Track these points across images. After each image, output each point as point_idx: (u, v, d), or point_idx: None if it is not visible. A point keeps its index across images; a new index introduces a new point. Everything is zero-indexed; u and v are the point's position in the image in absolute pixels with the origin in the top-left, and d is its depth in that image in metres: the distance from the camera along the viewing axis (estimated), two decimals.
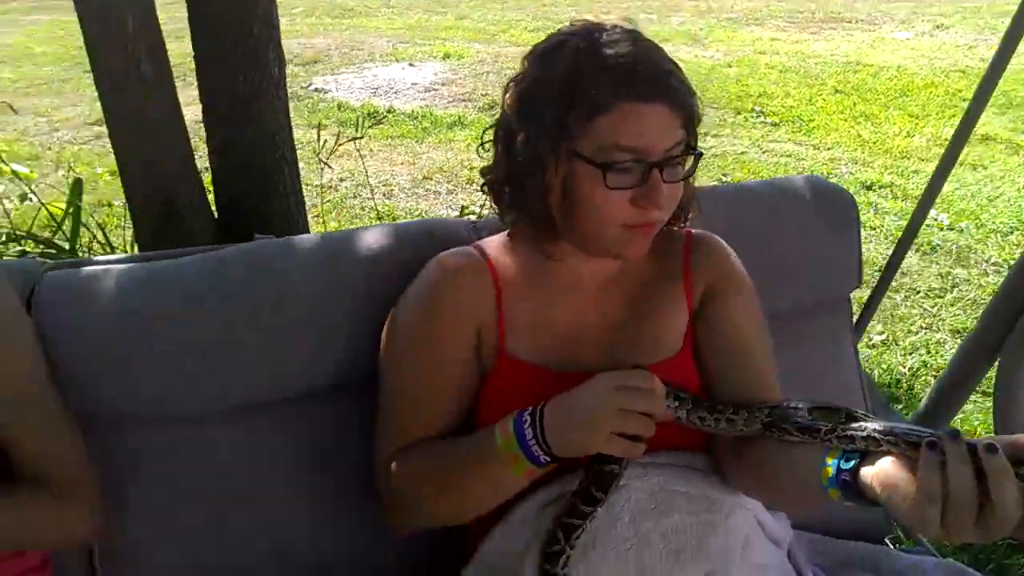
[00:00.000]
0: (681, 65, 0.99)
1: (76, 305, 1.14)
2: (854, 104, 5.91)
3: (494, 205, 1.08)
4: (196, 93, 2.17)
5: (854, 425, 0.82)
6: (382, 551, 1.23)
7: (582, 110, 0.93)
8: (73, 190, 2.70)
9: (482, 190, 1.08)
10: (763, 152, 4.90)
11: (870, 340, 2.97)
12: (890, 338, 3.01)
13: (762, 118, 5.56)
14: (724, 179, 4.46)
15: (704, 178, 4.44)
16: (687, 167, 1.01)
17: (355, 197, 4.14)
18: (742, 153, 4.87)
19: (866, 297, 1.68)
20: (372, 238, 1.25)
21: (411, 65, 7.24)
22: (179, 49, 2.21)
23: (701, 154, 1.02)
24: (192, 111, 2.20)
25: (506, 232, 1.13)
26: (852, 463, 0.79)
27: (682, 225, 1.13)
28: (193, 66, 2.13)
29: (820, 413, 0.89)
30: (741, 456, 1.01)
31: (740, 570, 0.99)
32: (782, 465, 0.94)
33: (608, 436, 0.88)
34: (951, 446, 0.70)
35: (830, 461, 0.82)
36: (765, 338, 1.12)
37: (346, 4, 11.47)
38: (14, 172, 2.85)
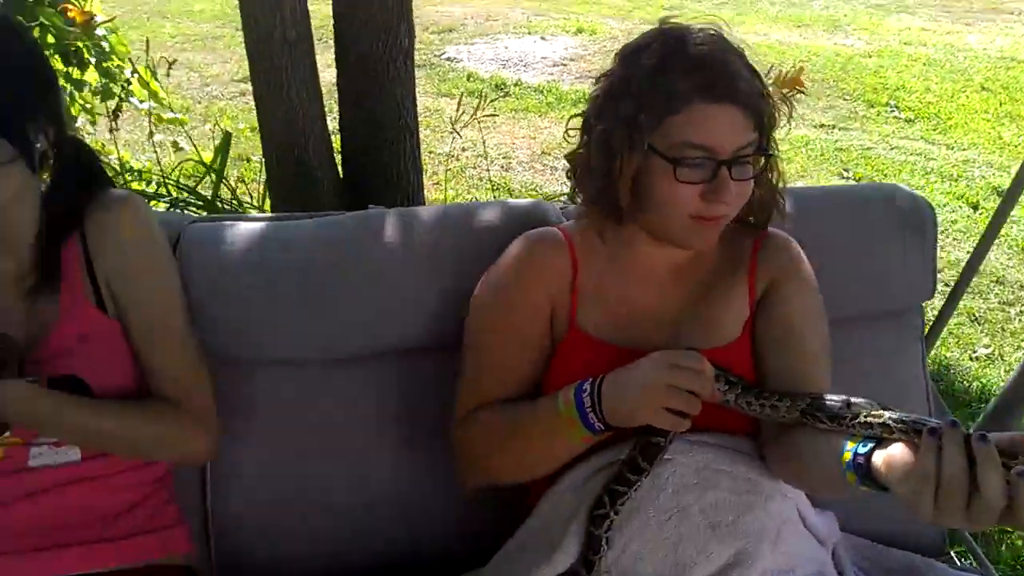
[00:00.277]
0: (767, 65, 1.06)
1: (212, 256, 1.32)
2: (1000, 103, 5.60)
3: (576, 190, 1.17)
4: (332, 57, 2.35)
5: (875, 413, 0.88)
6: (452, 501, 1.35)
7: (658, 108, 1.02)
8: (220, 145, 2.94)
9: (567, 176, 1.18)
10: (891, 149, 4.73)
11: (974, 352, 2.89)
12: (996, 352, 2.92)
13: (896, 113, 5.35)
14: (845, 174, 4.36)
15: (825, 172, 4.37)
16: (758, 167, 1.07)
17: (475, 168, 4.27)
18: (868, 148, 4.72)
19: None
20: (470, 214, 1.38)
21: (543, 39, 7.31)
22: (322, 11, 2.36)
23: (772, 155, 1.08)
24: (328, 74, 2.38)
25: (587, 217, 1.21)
26: (868, 448, 0.86)
27: (762, 224, 1.19)
28: (332, 30, 2.30)
29: (854, 406, 0.94)
30: (780, 442, 1.07)
31: (772, 553, 1.05)
32: (812, 451, 0.99)
33: (656, 409, 0.96)
34: (949, 433, 0.76)
35: (850, 447, 0.88)
36: (821, 335, 1.16)
37: None
38: (173, 120, 3.11)
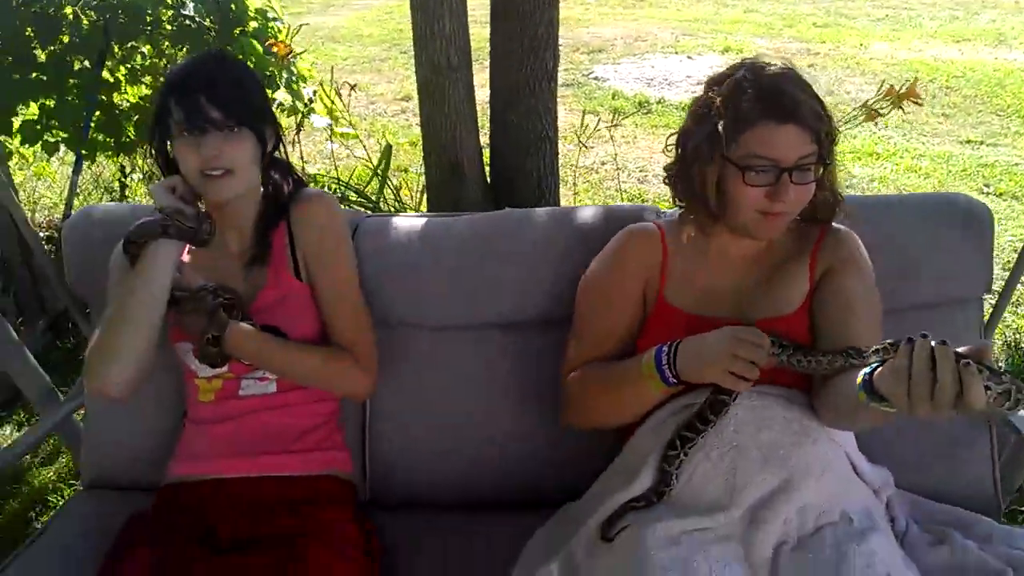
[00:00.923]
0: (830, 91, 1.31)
1: (381, 242, 1.70)
2: None
3: (673, 193, 1.45)
4: (487, 76, 2.70)
5: (888, 342, 1.12)
6: (558, 448, 1.65)
7: (733, 126, 1.28)
8: (383, 153, 3.38)
9: (664, 182, 1.46)
10: None
11: None
12: None
13: None
14: (986, 189, 4.32)
15: (964, 187, 4.35)
16: (817, 173, 1.31)
17: (613, 179, 4.54)
18: (1015, 165, 4.64)
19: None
20: (587, 215, 1.71)
21: (689, 58, 7.49)
22: (480, 33, 2.71)
23: (829, 163, 1.31)
24: (482, 92, 2.73)
25: (680, 215, 1.49)
26: (871, 369, 1.09)
27: (825, 220, 1.42)
28: (488, 51, 2.66)
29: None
30: (824, 390, 1.29)
31: (816, 486, 1.26)
32: (843, 387, 1.21)
33: (722, 371, 1.21)
34: (919, 341, 0.99)
35: (862, 374, 1.11)
36: (870, 316, 1.37)
37: None
38: (346, 135, 3.58)
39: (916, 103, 2.42)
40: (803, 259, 1.42)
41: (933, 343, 0.99)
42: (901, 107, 2.42)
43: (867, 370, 1.10)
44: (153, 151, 1.47)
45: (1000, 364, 1.69)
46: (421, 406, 1.70)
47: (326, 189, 3.67)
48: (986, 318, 1.72)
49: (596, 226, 1.65)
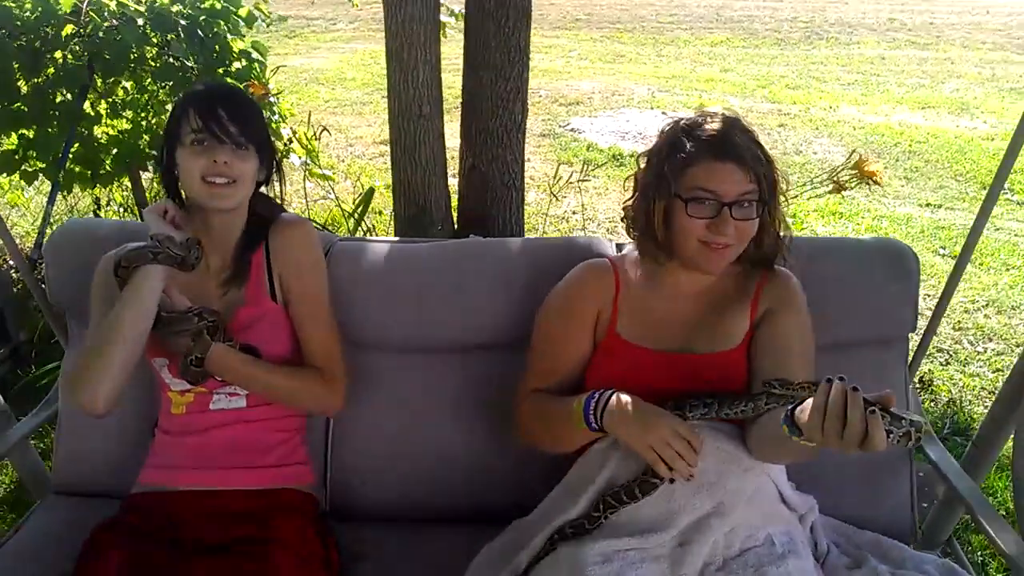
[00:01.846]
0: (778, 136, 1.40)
1: (353, 264, 1.77)
2: None
3: (627, 229, 1.54)
4: (457, 125, 2.80)
5: (801, 383, 1.24)
6: (510, 466, 1.74)
7: (679, 163, 1.40)
8: (364, 197, 3.47)
9: (621, 219, 1.56)
10: (996, 230, 4.79)
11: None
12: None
13: (1009, 195, 5.39)
14: (942, 251, 4.47)
15: (921, 248, 4.49)
16: (760, 212, 1.41)
17: (582, 229, 4.64)
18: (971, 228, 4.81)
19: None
20: (543, 245, 1.81)
21: (664, 113, 7.68)
22: (450, 81, 2.79)
23: (769, 204, 1.42)
24: (452, 139, 2.82)
25: (635, 250, 1.57)
26: (792, 407, 1.18)
27: (767, 264, 1.51)
28: (459, 100, 2.77)
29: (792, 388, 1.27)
30: (751, 428, 1.39)
31: (746, 509, 1.35)
32: (767, 425, 1.31)
33: (645, 446, 1.31)
34: (836, 384, 1.08)
35: (786, 410, 1.19)
36: (805, 353, 1.46)
37: (620, 51, 12.12)
38: (323, 176, 3.66)
39: (875, 183, 2.53)
40: (746, 299, 1.51)
41: (847, 388, 1.08)
42: (866, 182, 2.53)
43: (790, 407, 1.19)
44: (161, 159, 1.54)
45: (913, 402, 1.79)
46: (382, 422, 1.78)
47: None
48: (910, 357, 1.83)
49: (555, 256, 1.74)
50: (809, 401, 1.13)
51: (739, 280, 1.53)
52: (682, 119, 1.46)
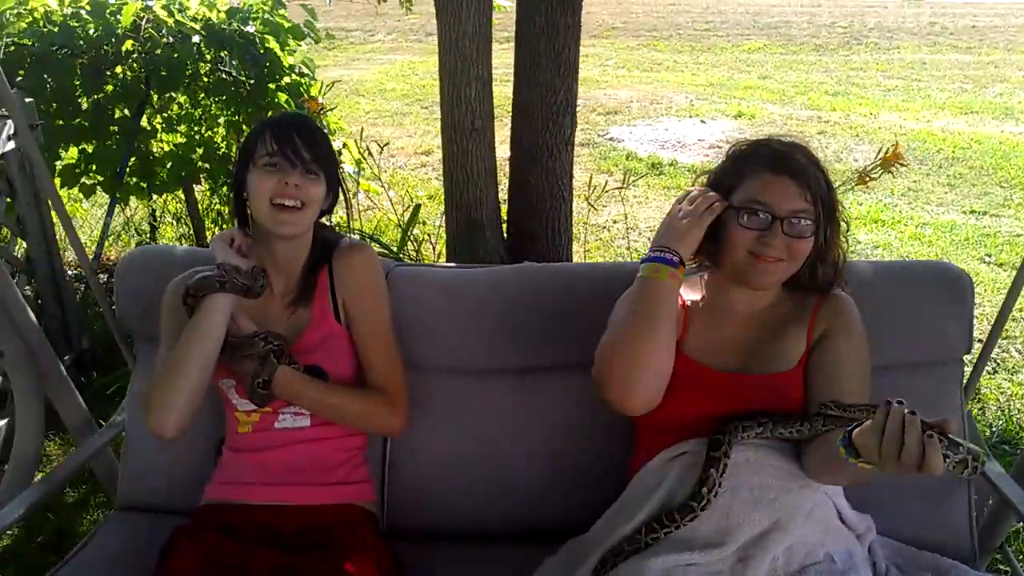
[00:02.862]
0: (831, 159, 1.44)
1: (411, 288, 1.81)
2: None
3: None
4: (507, 134, 2.86)
5: (859, 406, 1.24)
6: (569, 488, 1.76)
7: (739, 175, 1.45)
8: (412, 213, 3.54)
9: None
10: None
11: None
12: None
13: None
14: (988, 259, 4.42)
15: (966, 256, 4.46)
16: (814, 233, 1.43)
17: (624, 238, 4.67)
18: (1017, 236, 4.73)
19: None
20: (600, 271, 1.85)
21: (702, 122, 7.70)
22: (501, 91, 2.84)
23: (821, 225, 1.43)
24: (502, 149, 2.87)
25: (695, 270, 1.61)
26: (850, 429, 1.19)
27: (824, 289, 1.54)
28: (510, 111, 2.83)
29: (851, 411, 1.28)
30: (808, 449, 1.40)
31: (804, 526, 1.36)
32: (825, 446, 1.33)
33: (693, 220, 1.41)
34: (894, 406, 1.10)
35: (843, 432, 1.21)
36: (860, 376, 1.47)
37: (657, 58, 12.14)
38: (373, 190, 3.75)
39: (902, 165, 2.54)
40: (803, 321, 1.53)
41: (905, 411, 1.10)
42: (891, 171, 2.54)
43: (847, 428, 1.21)
44: (232, 178, 1.60)
45: (973, 427, 1.80)
46: (438, 443, 1.81)
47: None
48: (966, 378, 1.83)
49: (608, 281, 1.75)
50: (867, 423, 1.15)
51: (796, 303, 1.55)
52: (747, 140, 1.51)
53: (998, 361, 3.48)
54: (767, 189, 1.41)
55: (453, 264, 2.08)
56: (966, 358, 1.81)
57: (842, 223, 1.50)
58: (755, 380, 1.47)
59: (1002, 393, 3.24)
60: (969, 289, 1.73)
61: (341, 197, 1.66)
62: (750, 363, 1.50)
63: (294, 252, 1.62)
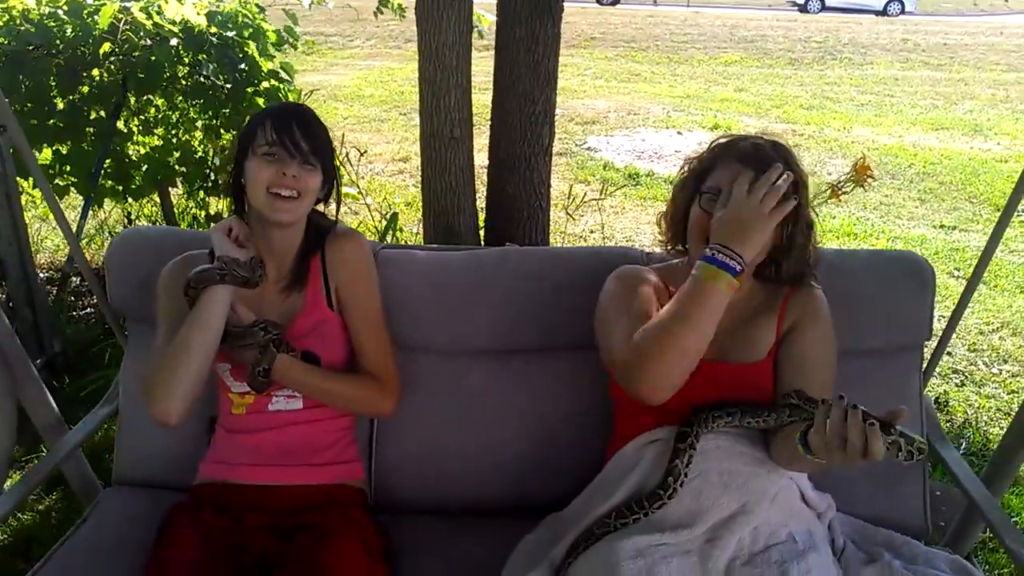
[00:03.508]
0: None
1: (396, 270, 1.83)
2: None
3: (660, 229, 1.63)
4: (485, 141, 2.88)
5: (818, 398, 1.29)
6: (553, 465, 1.79)
7: (707, 164, 1.48)
8: (390, 220, 3.55)
9: (656, 223, 1.65)
10: (1010, 252, 4.82)
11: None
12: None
13: (1022, 216, 5.43)
14: (956, 273, 4.51)
15: (936, 269, 4.51)
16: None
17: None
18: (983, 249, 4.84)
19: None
20: (575, 254, 1.88)
21: (679, 133, 7.77)
22: (479, 100, 2.85)
23: (795, 219, 1.44)
24: (479, 157, 2.89)
25: (674, 260, 1.65)
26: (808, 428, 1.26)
27: (794, 280, 1.56)
28: (488, 119, 2.85)
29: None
30: (774, 438, 1.45)
31: (769, 508, 1.41)
32: (787, 439, 1.37)
33: (765, 218, 1.33)
34: (836, 401, 1.17)
35: (799, 432, 1.28)
36: (828, 365, 1.52)
37: (634, 70, 12.25)
38: (350, 195, 3.74)
39: (871, 179, 2.58)
40: (773, 311, 1.56)
41: (847, 407, 1.17)
42: (862, 185, 2.58)
43: (806, 426, 1.27)
44: (231, 167, 1.62)
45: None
46: (424, 422, 1.84)
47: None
48: (925, 364, 1.90)
49: (587, 264, 1.81)
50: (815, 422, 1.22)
51: (767, 293, 1.58)
52: (719, 138, 1.54)
53: (965, 374, 3.54)
54: (730, 176, 1.43)
55: (438, 246, 2.10)
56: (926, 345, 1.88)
57: (811, 220, 1.53)
58: (728, 369, 1.51)
59: (970, 405, 3.30)
60: (931, 278, 1.79)
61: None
62: (723, 353, 1.54)
63: (289, 239, 1.64)
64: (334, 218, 1.72)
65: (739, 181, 1.36)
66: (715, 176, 1.47)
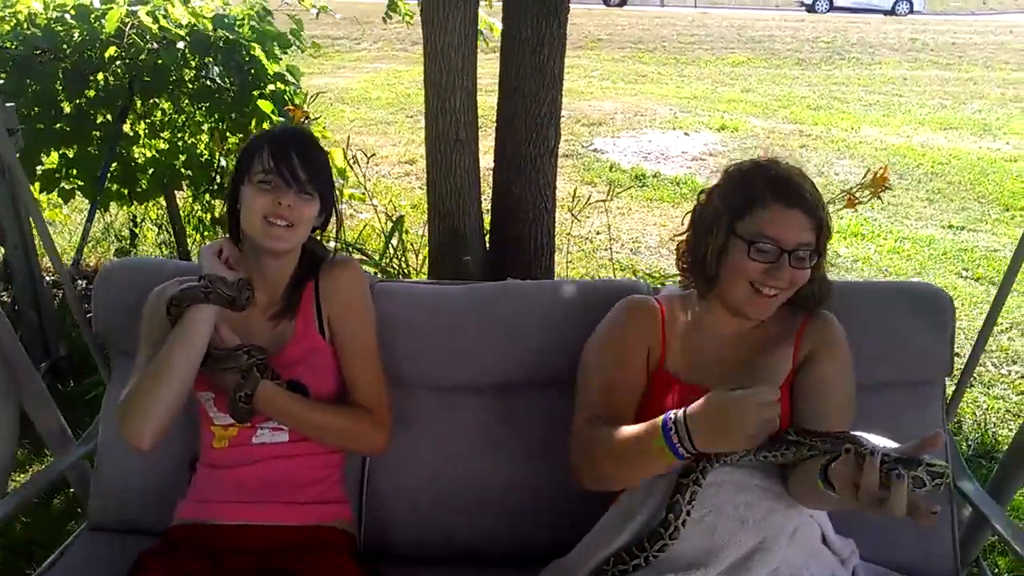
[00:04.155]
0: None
1: (393, 304, 1.79)
2: None
3: (677, 261, 1.58)
4: (491, 144, 2.86)
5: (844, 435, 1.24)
6: (548, 506, 1.74)
7: (746, 204, 1.41)
8: (396, 223, 3.54)
9: (675, 251, 1.59)
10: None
11: None
12: None
13: None
14: (965, 273, 4.47)
15: (943, 271, 4.51)
16: (814, 262, 1.43)
17: (606, 249, 4.67)
18: (994, 251, 4.80)
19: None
20: (582, 289, 1.83)
21: (685, 134, 7.74)
22: (485, 102, 2.84)
23: (821, 254, 1.44)
24: (485, 159, 2.86)
25: (683, 288, 1.60)
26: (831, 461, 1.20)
27: (811, 308, 1.54)
28: (494, 121, 2.83)
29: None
30: (791, 472, 1.37)
31: (789, 547, 1.35)
32: (805, 473, 1.31)
33: (746, 437, 1.24)
34: (844, 454, 1.14)
35: (821, 464, 1.22)
36: (846, 394, 1.48)
37: (641, 71, 12.22)
38: (356, 196, 3.74)
39: (887, 188, 2.57)
40: (788, 341, 1.52)
41: (870, 453, 1.11)
42: (879, 196, 2.56)
43: (825, 460, 1.21)
44: (228, 189, 1.58)
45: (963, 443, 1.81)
46: (419, 461, 1.78)
47: (333, 245, 3.84)
48: (948, 397, 1.84)
49: (587, 299, 1.77)
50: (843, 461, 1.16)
51: (782, 322, 1.54)
52: (746, 161, 1.49)
53: (974, 375, 3.51)
54: (780, 223, 1.39)
55: (435, 281, 2.07)
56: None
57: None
58: None
59: (978, 407, 3.27)
60: (949, 309, 1.75)
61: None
62: (737, 382, 1.47)
63: (282, 268, 1.60)
64: (335, 234, 1.68)
65: (761, 394, 1.22)
66: (756, 220, 1.40)
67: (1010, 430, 3.10)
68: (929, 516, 1.07)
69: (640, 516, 1.40)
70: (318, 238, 1.68)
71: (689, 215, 1.55)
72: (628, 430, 1.37)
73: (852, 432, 1.27)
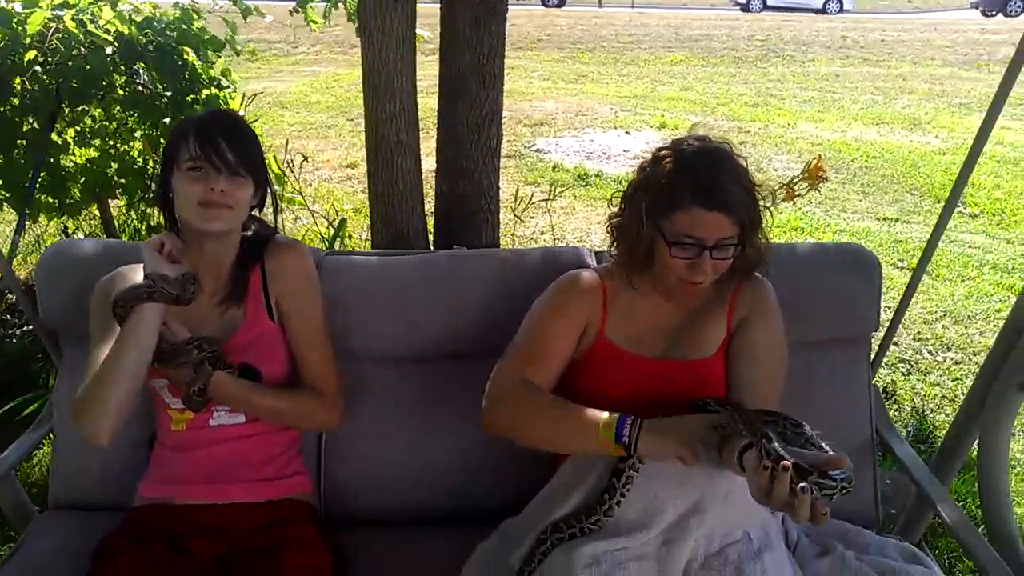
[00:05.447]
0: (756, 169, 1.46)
1: (342, 277, 1.80)
2: None
3: (610, 245, 1.59)
4: (432, 145, 2.84)
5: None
6: (498, 468, 1.78)
7: (669, 204, 1.42)
8: (338, 227, 3.50)
9: (606, 230, 1.60)
10: (950, 242, 4.94)
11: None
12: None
13: (962, 208, 5.55)
14: (900, 264, 4.59)
15: (880, 261, 4.60)
16: (739, 251, 1.45)
17: None
18: (927, 242, 4.95)
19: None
20: (525, 256, 1.86)
21: (627, 133, 7.81)
22: (426, 103, 2.82)
23: (745, 245, 1.46)
24: (427, 161, 2.85)
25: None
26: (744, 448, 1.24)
27: (745, 276, 1.57)
28: (435, 121, 2.81)
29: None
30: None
31: (723, 507, 1.39)
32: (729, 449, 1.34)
33: (689, 452, 1.31)
34: (761, 469, 1.18)
35: (737, 452, 1.25)
36: (778, 357, 1.53)
37: (581, 71, 12.29)
38: (293, 201, 3.68)
39: (824, 179, 2.61)
40: (722, 306, 1.57)
41: (787, 461, 1.16)
42: (817, 188, 2.60)
43: (743, 445, 1.25)
44: (158, 180, 1.56)
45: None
46: (373, 430, 1.81)
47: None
48: (873, 355, 1.93)
49: (536, 267, 1.80)
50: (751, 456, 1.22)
51: (716, 289, 1.57)
52: (674, 147, 1.48)
53: (911, 363, 3.61)
54: (699, 225, 1.40)
55: (382, 252, 2.06)
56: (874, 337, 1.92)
57: (763, 215, 1.51)
58: (679, 366, 1.52)
59: (916, 394, 3.36)
60: (877, 269, 1.83)
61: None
62: (674, 349, 1.55)
63: (224, 249, 1.59)
64: (274, 226, 1.68)
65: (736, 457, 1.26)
66: (678, 220, 1.42)
67: (947, 415, 3.19)
68: (820, 518, 1.15)
69: (579, 492, 1.46)
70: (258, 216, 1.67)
71: (619, 200, 1.57)
72: (571, 405, 1.44)
73: (773, 410, 1.36)
